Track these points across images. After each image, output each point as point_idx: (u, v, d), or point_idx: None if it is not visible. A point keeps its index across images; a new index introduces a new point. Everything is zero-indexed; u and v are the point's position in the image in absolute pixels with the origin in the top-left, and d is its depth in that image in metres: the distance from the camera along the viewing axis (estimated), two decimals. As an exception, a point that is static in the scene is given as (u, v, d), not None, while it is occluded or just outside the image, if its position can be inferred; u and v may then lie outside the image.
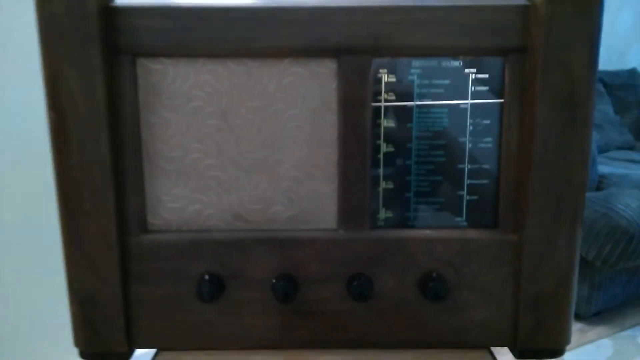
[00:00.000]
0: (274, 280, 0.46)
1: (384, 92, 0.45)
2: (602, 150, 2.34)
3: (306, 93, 0.45)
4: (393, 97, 0.45)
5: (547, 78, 0.42)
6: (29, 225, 1.23)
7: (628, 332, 1.69)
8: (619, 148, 2.48)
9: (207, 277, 0.46)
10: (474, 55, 0.44)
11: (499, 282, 0.46)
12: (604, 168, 1.98)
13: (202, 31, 0.43)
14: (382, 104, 0.45)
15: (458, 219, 0.47)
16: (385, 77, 0.45)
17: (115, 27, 0.42)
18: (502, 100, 0.45)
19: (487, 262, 0.46)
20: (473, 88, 0.45)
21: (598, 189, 1.86)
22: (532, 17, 0.42)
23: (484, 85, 0.45)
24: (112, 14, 0.42)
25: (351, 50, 0.43)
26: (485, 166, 0.46)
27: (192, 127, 0.45)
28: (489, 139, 0.46)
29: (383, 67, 0.44)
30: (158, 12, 0.42)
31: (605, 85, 2.62)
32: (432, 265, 0.46)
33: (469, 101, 0.45)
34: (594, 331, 1.67)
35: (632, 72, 2.81)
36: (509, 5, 0.43)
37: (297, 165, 0.46)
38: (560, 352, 0.48)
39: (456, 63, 0.44)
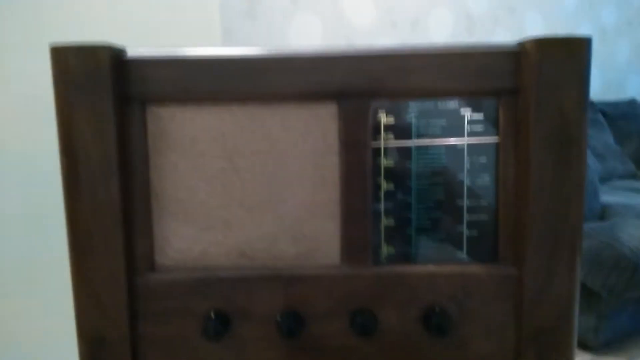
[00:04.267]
0: (279, 317, 0.47)
1: (383, 132, 0.47)
2: (604, 180, 2.35)
3: (308, 135, 0.47)
4: (392, 137, 0.47)
5: (540, 118, 0.44)
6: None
7: (638, 363, 1.67)
8: (621, 177, 2.49)
9: (213, 314, 0.47)
10: (468, 97, 0.46)
11: (500, 315, 0.47)
12: (607, 197, 1.98)
13: (207, 80, 0.45)
14: (382, 144, 0.47)
15: (459, 253, 0.48)
16: (384, 118, 0.46)
17: (126, 78, 0.45)
18: (497, 139, 0.47)
19: (488, 296, 0.47)
20: (469, 128, 0.47)
21: (601, 218, 1.86)
22: (523, 61, 0.44)
23: (479, 125, 0.47)
24: (124, 66, 0.44)
25: (350, 94, 0.46)
26: (484, 203, 0.47)
27: (199, 169, 0.47)
28: (486, 176, 0.47)
29: (382, 109, 0.46)
30: (166, 64, 0.45)
31: (605, 115, 2.66)
32: (435, 299, 0.47)
33: (465, 140, 0.47)
34: (603, 362, 1.65)
35: (631, 102, 2.85)
36: (501, 50, 0.45)
37: (300, 204, 0.48)
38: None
39: (452, 104, 0.46)
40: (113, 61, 0.44)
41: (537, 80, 0.44)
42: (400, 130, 0.47)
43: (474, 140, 0.47)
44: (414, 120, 0.47)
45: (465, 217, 0.48)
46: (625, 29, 2.98)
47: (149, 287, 0.47)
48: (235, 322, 0.47)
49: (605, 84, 2.95)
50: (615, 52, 2.99)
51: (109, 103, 0.44)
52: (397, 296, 0.47)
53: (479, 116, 0.47)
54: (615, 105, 2.75)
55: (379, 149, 0.47)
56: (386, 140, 0.47)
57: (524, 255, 0.46)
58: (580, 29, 2.73)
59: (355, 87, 0.45)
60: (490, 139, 0.47)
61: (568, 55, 0.44)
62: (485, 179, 0.47)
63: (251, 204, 0.47)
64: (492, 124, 0.47)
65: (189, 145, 0.47)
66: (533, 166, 0.45)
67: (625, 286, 1.43)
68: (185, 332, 0.47)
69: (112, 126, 0.44)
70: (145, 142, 0.46)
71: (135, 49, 0.45)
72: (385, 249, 0.48)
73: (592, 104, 2.59)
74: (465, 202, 0.48)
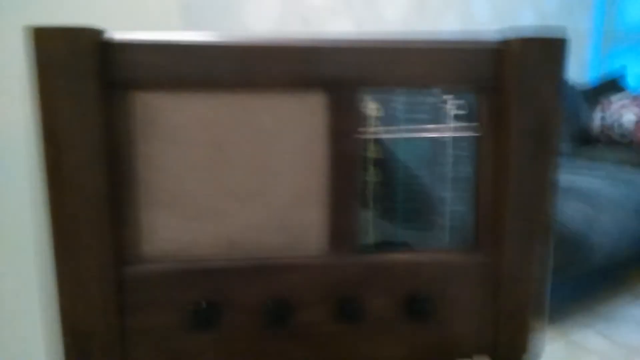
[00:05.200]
0: (266, 306, 0.48)
1: (371, 122, 0.48)
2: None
3: (297, 124, 0.47)
4: (379, 127, 0.48)
5: (520, 113, 0.46)
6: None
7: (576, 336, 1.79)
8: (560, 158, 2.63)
9: (201, 304, 0.47)
10: (451, 90, 0.48)
11: (479, 299, 0.50)
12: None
13: (197, 66, 0.44)
14: (369, 134, 0.48)
15: (441, 242, 0.50)
16: (371, 108, 0.47)
17: (111, 62, 0.43)
18: (477, 131, 0.49)
19: (467, 281, 0.50)
20: (452, 120, 0.48)
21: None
22: (505, 58, 0.46)
23: (462, 117, 0.48)
24: (109, 50, 0.43)
25: (339, 84, 0.46)
26: (465, 194, 0.50)
27: (188, 158, 0.46)
28: (467, 168, 0.49)
29: (370, 99, 0.47)
30: (154, 48, 0.44)
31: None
32: (418, 286, 0.49)
33: (449, 132, 0.49)
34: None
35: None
36: (484, 46, 0.47)
37: (289, 193, 0.48)
38: (538, 356, 0.52)
39: (437, 97, 0.48)
40: (98, 44, 0.42)
41: (519, 77, 0.46)
42: (387, 120, 0.48)
43: (457, 132, 0.49)
44: (400, 111, 0.48)
45: (448, 207, 0.50)
46: (566, 17, 3.11)
47: (137, 277, 0.46)
48: (224, 312, 0.48)
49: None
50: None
51: (94, 88, 0.42)
52: (382, 283, 0.49)
53: (461, 109, 0.48)
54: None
55: (366, 139, 0.48)
56: (373, 130, 0.48)
57: (501, 243, 0.49)
58: (523, 15, 2.82)
59: (345, 77, 0.46)
60: (472, 132, 0.49)
61: (548, 55, 0.46)
62: (467, 171, 0.49)
63: (240, 193, 0.48)
64: (474, 117, 0.49)
65: (178, 134, 0.46)
66: (512, 158, 0.47)
67: (567, 264, 1.52)
68: (173, 323, 0.47)
69: (97, 112, 0.43)
70: (133, 130, 0.45)
71: (122, 32, 0.44)
72: (371, 237, 0.50)
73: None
74: (448, 193, 0.50)
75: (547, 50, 0.46)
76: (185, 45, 0.44)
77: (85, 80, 0.42)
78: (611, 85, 2.79)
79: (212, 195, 0.47)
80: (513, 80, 0.46)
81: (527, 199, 0.48)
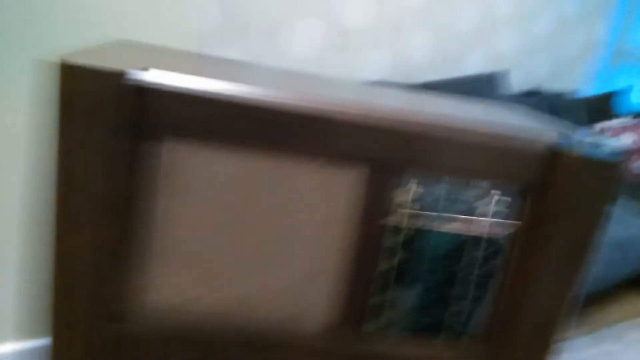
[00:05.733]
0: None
1: (409, 203, 0.45)
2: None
3: (330, 197, 0.44)
4: (413, 212, 0.45)
5: (565, 222, 0.44)
6: None
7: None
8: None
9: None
10: (498, 185, 0.45)
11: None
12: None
13: (233, 122, 0.40)
14: (400, 220, 0.45)
15: (460, 330, 0.49)
16: (413, 189, 0.45)
17: (140, 108, 0.39)
18: (516, 227, 0.46)
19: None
20: (492, 212, 0.46)
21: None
22: (559, 167, 0.44)
23: (503, 211, 0.46)
24: (139, 94, 0.39)
25: (382, 163, 0.43)
26: (490, 293, 0.48)
27: (210, 215, 0.43)
28: (496, 266, 0.47)
29: (413, 180, 0.44)
30: (191, 98, 0.39)
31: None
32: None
33: (487, 224, 0.46)
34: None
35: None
36: (540, 150, 0.44)
37: (307, 266, 0.46)
38: None
39: (480, 191, 0.45)
40: (127, 87, 0.38)
41: (571, 191, 0.43)
42: (425, 204, 0.45)
43: (494, 229, 0.46)
44: (440, 197, 0.45)
45: (468, 305, 0.48)
46: (583, 25, 3.05)
47: (139, 330, 0.44)
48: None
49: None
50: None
51: (117, 133, 0.39)
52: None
53: (504, 206, 0.46)
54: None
55: (396, 226, 0.45)
56: (407, 214, 0.45)
57: (513, 347, 0.48)
58: (543, 16, 2.75)
59: (389, 157, 0.43)
60: (512, 222, 0.46)
61: (602, 177, 0.44)
62: (495, 268, 0.47)
63: (257, 257, 0.45)
64: (516, 209, 0.46)
65: (203, 189, 0.42)
66: (544, 264, 0.45)
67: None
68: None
69: (120, 159, 0.39)
70: (155, 180, 0.41)
71: (153, 74, 0.39)
72: (382, 322, 0.48)
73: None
74: (472, 290, 0.48)
75: (602, 172, 0.43)
76: (224, 99, 0.40)
77: (109, 125, 0.38)
78: (612, 98, 2.78)
79: (229, 255, 0.44)
80: (564, 191, 0.44)
81: (546, 308, 0.47)
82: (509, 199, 0.46)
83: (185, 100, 0.39)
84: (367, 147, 0.42)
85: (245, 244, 0.44)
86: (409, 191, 0.45)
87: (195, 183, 0.42)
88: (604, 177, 0.43)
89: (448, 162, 0.43)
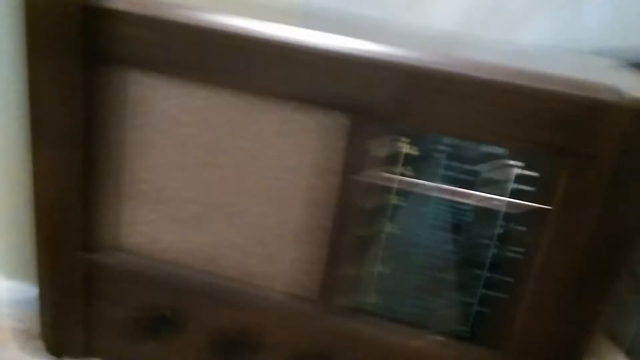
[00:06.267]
0: (221, 335, 0.42)
1: (402, 165, 0.36)
2: None
3: (308, 146, 0.38)
4: (411, 174, 0.36)
5: (609, 205, 0.32)
6: None
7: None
8: None
9: (168, 313, 0.42)
10: (521, 149, 0.34)
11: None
12: None
13: (200, 52, 0.36)
14: (397, 178, 0.37)
15: (461, 328, 0.39)
16: (405, 149, 0.36)
17: (101, 33, 0.36)
18: (549, 208, 0.35)
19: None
20: (514, 185, 0.35)
21: None
22: (612, 120, 0.31)
23: (529, 185, 0.35)
24: (100, 17, 0.36)
25: (370, 110, 0.35)
26: (507, 278, 0.37)
27: (177, 155, 0.40)
28: (519, 249, 0.36)
29: (405, 136, 0.36)
30: (153, 23, 0.36)
31: None
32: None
33: (505, 201, 0.36)
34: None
35: None
36: (585, 97, 0.32)
37: (279, 221, 0.40)
38: None
39: (499, 150, 0.35)
40: (86, 10, 0.36)
41: (621, 158, 0.31)
42: (424, 168, 0.36)
43: (516, 203, 0.35)
44: (443, 161, 0.36)
45: (480, 290, 0.38)
46: None
47: (107, 266, 0.42)
48: (179, 327, 0.43)
49: None
50: None
51: (79, 60, 0.37)
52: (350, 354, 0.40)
53: (531, 174, 0.35)
54: None
55: (392, 183, 0.37)
56: (402, 178, 0.37)
57: (528, 350, 0.37)
58: None
59: (377, 103, 0.34)
60: (538, 206, 0.35)
61: None
62: (517, 252, 0.36)
63: (229, 209, 0.40)
64: (546, 187, 0.35)
65: (170, 126, 0.39)
66: (583, 253, 0.34)
67: None
68: (130, 321, 0.43)
69: (81, 88, 0.37)
70: (121, 112, 0.39)
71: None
72: (371, 298, 0.40)
73: None
74: (484, 273, 0.37)
75: None
76: (192, 26, 0.35)
77: (70, 51, 0.36)
78: None
79: (198, 201, 0.41)
80: (611, 163, 0.31)
81: (576, 310, 0.35)
82: (536, 173, 0.34)
83: (145, 24, 0.36)
84: (344, 89, 0.34)
85: (214, 191, 0.40)
86: (400, 149, 0.36)
87: (161, 120, 0.39)
88: None
89: (451, 117, 0.33)
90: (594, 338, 0.36)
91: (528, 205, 0.35)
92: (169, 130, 0.39)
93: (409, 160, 0.36)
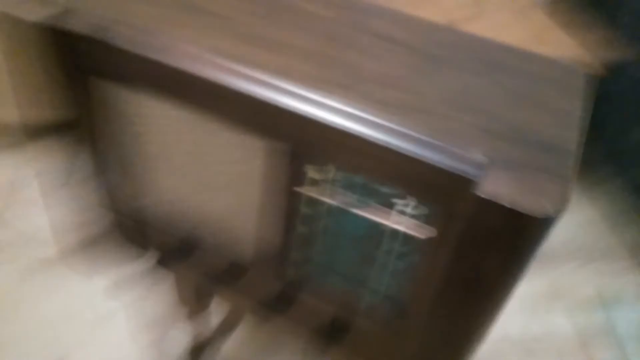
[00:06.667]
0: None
1: (305, 184, 0.44)
2: None
3: (248, 162, 0.45)
4: (315, 191, 0.44)
5: (465, 258, 0.40)
6: None
7: None
8: None
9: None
10: (407, 193, 0.41)
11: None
12: None
13: (146, 71, 0.43)
14: (325, 194, 0.45)
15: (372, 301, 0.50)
16: (309, 172, 0.43)
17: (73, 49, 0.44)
18: (424, 237, 0.43)
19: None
20: (411, 211, 0.43)
21: None
22: (468, 190, 0.36)
23: (420, 216, 0.43)
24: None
25: (301, 143, 0.41)
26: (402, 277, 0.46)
27: (136, 146, 0.50)
28: (409, 259, 0.45)
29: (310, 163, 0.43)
30: (106, 46, 0.42)
31: None
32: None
33: (390, 224, 0.44)
34: None
35: None
36: (448, 169, 0.36)
37: (221, 207, 0.51)
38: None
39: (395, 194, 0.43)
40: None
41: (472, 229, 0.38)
42: (344, 188, 0.44)
43: (413, 227, 0.44)
44: (359, 187, 0.44)
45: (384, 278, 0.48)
46: None
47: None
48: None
49: None
50: None
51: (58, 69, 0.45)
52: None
53: (421, 209, 0.43)
54: None
55: (300, 196, 0.45)
56: (326, 194, 0.45)
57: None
58: None
59: (297, 145, 0.41)
60: (418, 235, 0.44)
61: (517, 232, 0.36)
62: (407, 262, 0.46)
63: (182, 191, 0.51)
64: (430, 221, 0.43)
65: (127, 124, 0.48)
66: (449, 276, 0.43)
67: None
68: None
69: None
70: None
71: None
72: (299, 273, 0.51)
73: None
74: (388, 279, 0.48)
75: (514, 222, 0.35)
76: (133, 56, 0.42)
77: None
78: None
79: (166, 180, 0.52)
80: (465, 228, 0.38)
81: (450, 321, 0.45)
82: (426, 208, 0.43)
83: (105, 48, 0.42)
84: (276, 130, 0.41)
85: (171, 178, 0.51)
86: (328, 172, 0.44)
87: (121, 117, 0.48)
88: (518, 229, 0.36)
89: (351, 160, 0.40)
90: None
91: (412, 232, 0.44)
92: (127, 127, 0.49)
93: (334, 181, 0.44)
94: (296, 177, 0.44)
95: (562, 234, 1.38)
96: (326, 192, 0.44)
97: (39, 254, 1.19)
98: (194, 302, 0.76)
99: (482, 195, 0.34)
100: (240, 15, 0.48)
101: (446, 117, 0.40)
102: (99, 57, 0.43)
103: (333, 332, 0.52)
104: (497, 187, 0.35)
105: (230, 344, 1.04)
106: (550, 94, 0.45)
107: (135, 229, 0.58)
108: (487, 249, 0.37)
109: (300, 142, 0.41)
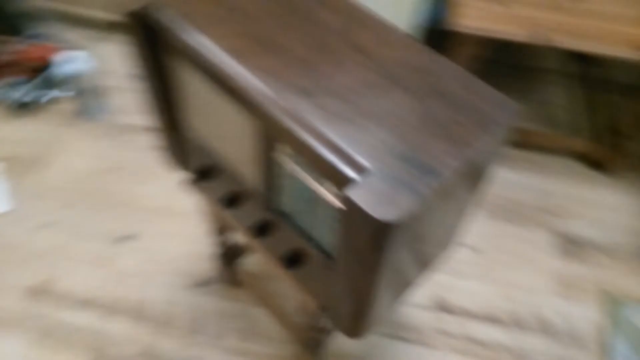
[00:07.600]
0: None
1: (277, 153, 0.61)
2: None
3: (238, 120, 0.64)
4: (281, 159, 0.62)
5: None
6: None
7: None
8: None
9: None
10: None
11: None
12: None
13: (187, 53, 0.63)
14: (275, 158, 0.62)
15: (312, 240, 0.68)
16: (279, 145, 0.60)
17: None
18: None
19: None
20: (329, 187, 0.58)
21: None
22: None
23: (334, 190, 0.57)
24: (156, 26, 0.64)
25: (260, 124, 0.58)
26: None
27: (181, 97, 0.71)
28: (335, 221, 0.62)
29: (276, 140, 0.60)
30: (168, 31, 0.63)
31: None
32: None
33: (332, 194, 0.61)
34: None
35: None
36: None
37: (229, 152, 0.71)
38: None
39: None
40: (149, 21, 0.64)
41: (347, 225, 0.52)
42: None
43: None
44: (295, 161, 0.62)
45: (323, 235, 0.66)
46: None
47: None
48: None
49: None
50: None
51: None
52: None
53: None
54: None
55: (274, 158, 0.65)
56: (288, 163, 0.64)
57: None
58: None
59: (266, 127, 0.58)
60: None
61: (370, 234, 0.49)
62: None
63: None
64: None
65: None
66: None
67: None
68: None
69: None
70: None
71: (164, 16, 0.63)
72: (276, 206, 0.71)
73: None
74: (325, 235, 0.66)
75: (369, 227, 0.48)
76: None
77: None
78: None
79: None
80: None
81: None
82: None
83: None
84: (254, 111, 0.56)
85: (208, 125, 0.72)
86: (287, 148, 0.61)
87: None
88: (367, 225, 0.48)
89: (296, 147, 0.54)
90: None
91: (335, 202, 0.58)
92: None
93: (291, 155, 0.61)
94: (271, 145, 0.62)
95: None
96: (287, 162, 0.62)
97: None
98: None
99: (346, 193, 0.48)
100: (261, 14, 0.63)
101: (363, 128, 0.53)
102: (165, 38, 0.64)
103: (292, 260, 0.71)
104: (365, 190, 0.48)
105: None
106: (467, 125, 0.55)
107: (181, 152, 0.81)
108: (358, 231, 0.51)
109: (267, 125, 0.57)
